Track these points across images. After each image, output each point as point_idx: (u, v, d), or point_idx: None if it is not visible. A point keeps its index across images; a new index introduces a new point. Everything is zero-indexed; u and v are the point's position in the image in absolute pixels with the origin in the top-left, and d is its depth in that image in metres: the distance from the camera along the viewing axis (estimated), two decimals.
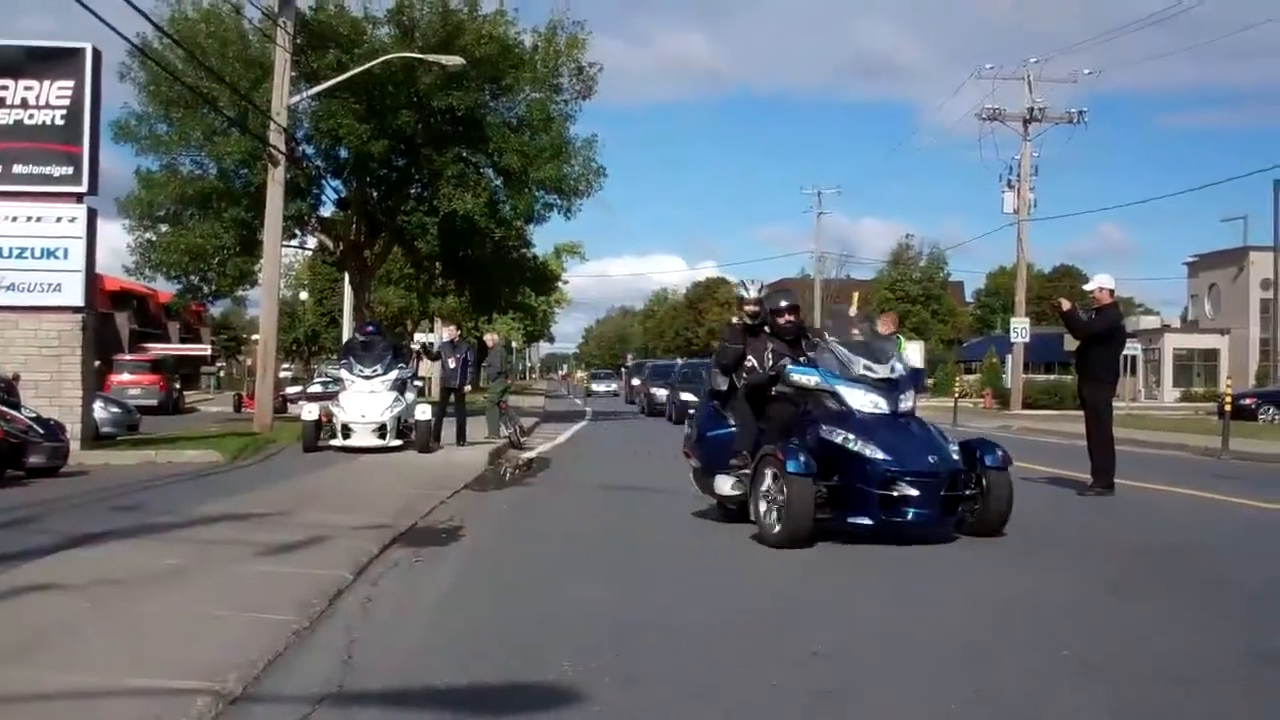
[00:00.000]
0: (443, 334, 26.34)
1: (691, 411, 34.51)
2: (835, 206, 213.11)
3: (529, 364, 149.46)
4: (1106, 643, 6.68)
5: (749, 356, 11.58)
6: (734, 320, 12.26)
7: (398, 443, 20.86)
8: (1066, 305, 15.46)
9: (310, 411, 21.60)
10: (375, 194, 34.95)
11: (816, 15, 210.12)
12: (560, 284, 71.97)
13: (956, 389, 42.94)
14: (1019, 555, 9.86)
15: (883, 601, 8.04)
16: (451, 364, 22.92)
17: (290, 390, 41.20)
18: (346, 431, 20.82)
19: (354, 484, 15.57)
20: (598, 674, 5.83)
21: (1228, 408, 24.73)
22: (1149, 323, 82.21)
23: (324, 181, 35.04)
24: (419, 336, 50.90)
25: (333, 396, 23.04)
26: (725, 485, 11.33)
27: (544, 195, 34.85)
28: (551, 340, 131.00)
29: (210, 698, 5.15)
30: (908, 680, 5.91)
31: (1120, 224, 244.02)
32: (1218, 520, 12.98)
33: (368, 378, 21.42)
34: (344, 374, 22.20)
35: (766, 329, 11.62)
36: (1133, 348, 77.57)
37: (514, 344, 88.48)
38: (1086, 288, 15.86)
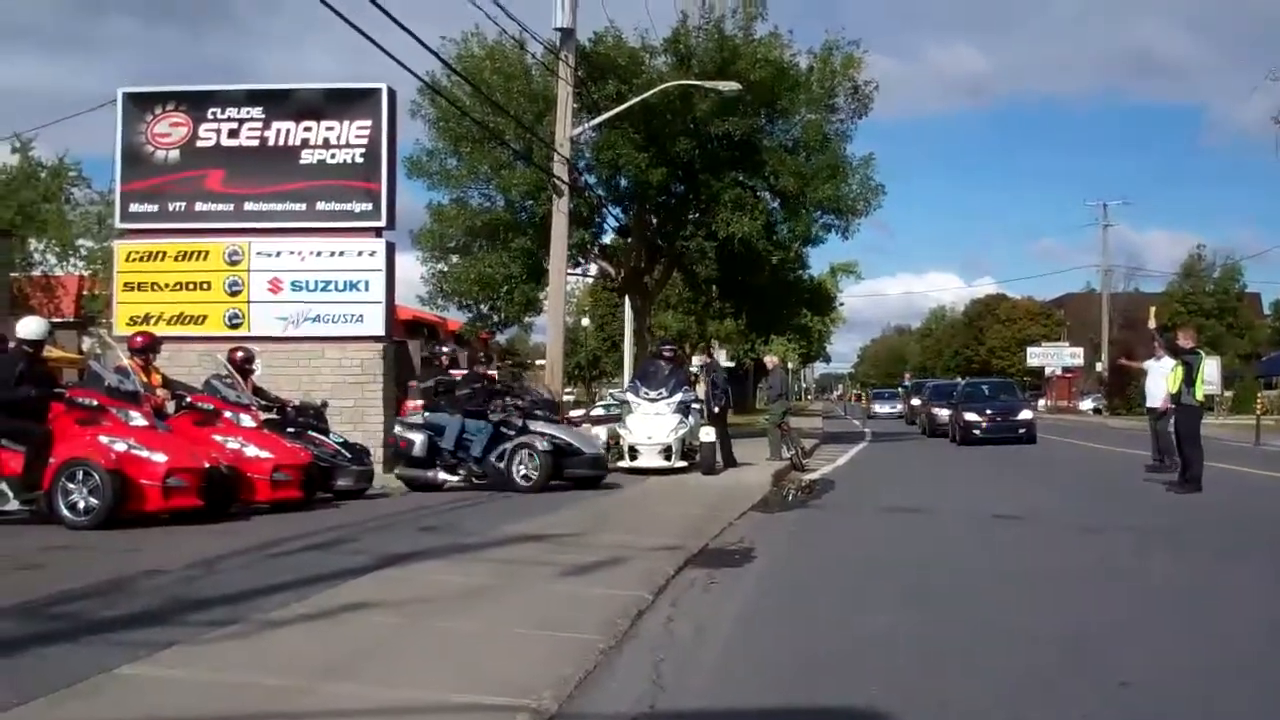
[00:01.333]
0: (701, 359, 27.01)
1: (976, 433, 34.21)
2: (1121, 217, 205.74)
3: (803, 385, 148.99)
4: None
5: None
6: None
7: (683, 464, 21.09)
8: None
9: (599, 435, 21.90)
10: (654, 220, 35.41)
11: (1089, 20, 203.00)
12: (837, 304, 71.39)
13: (1259, 406, 40.70)
14: None
15: (1180, 628, 7.68)
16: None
17: (574, 414, 42.06)
18: (634, 453, 21.09)
19: (644, 506, 15.80)
20: (907, 700, 5.75)
21: None
22: None
23: (605, 210, 35.76)
24: (696, 360, 51.40)
25: (616, 419, 23.44)
26: None
27: (821, 216, 34.64)
28: (827, 360, 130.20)
29: (528, 715, 5.31)
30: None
31: None
32: None
33: (653, 400, 21.57)
34: (630, 397, 22.47)
35: None
36: None
37: (789, 365, 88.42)
38: None
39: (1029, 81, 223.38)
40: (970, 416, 35.11)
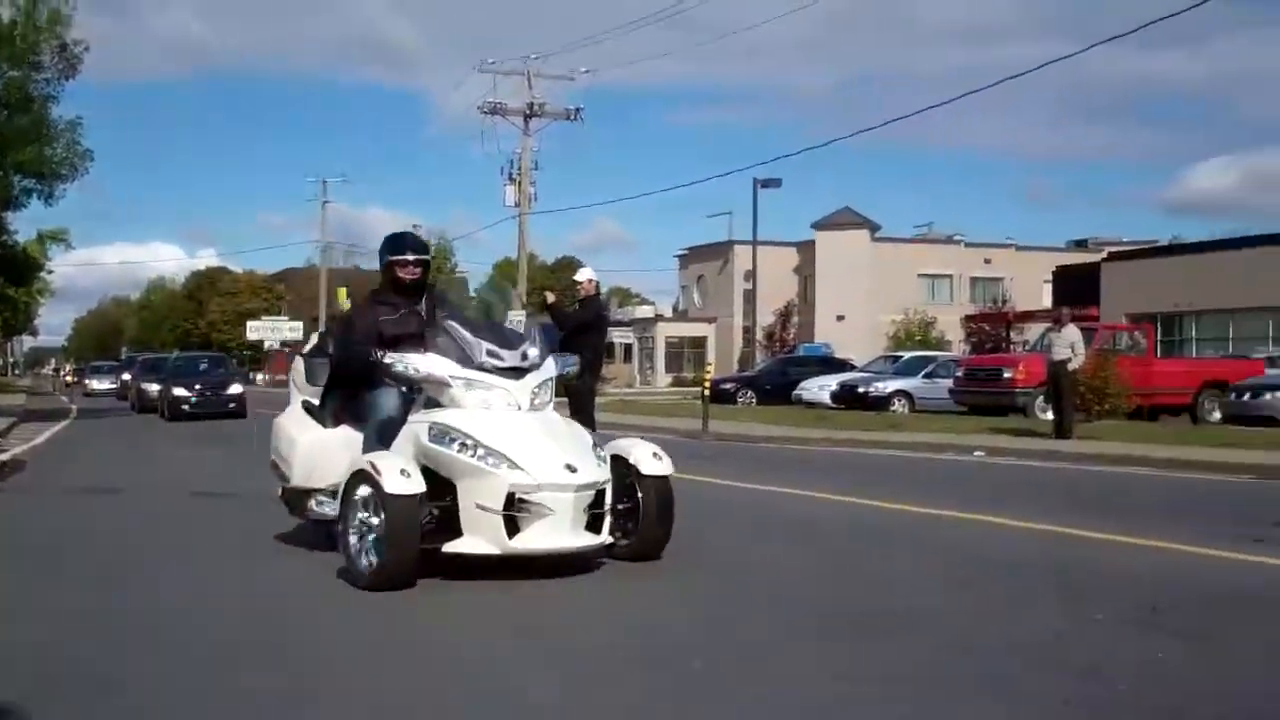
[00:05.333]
0: None
1: (185, 408, 33.72)
2: (342, 194, 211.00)
3: (10, 360, 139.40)
4: None
5: None
6: None
7: (622, 540, 8.75)
8: (551, 298, 16.81)
9: (411, 481, 7.76)
10: None
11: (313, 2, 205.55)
12: (44, 274, 67.33)
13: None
14: None
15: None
16: None
17: None
18: (513, 518, 7.89)
19: None
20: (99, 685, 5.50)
21: (707, 392, 26.65)
22: (644, 312, 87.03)
23: None
24: None
25: None
26: None
27: (22, 179, 32.93)
28: (35, 334, 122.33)
29: None
30: None
31: (618, 218, 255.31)
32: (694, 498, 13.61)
33: (517, 373, 8.58)
34: (451, 370, 8.32)
35: None
36: (627, 335, 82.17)
37: None
38: (576, 278, 16.75)
39: (253, 52, 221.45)
40: (179, 391, 34.99)
